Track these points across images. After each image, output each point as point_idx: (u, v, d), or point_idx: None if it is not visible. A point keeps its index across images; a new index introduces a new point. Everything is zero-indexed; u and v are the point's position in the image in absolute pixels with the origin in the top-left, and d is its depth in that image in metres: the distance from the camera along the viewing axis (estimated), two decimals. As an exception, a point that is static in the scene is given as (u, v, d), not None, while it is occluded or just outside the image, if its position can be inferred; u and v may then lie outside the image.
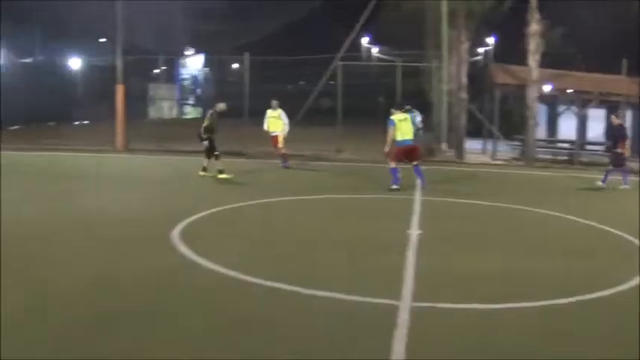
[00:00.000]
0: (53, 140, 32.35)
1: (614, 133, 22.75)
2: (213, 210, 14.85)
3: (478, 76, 37.21)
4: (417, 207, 16.27)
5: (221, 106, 21.47)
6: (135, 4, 33.25)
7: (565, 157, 31.49)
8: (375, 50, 64.82)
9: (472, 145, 33.10)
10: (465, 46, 32.22)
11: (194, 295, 8.52)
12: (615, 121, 22.66)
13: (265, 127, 24.99)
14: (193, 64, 77.36)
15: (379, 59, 61.61)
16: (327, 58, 33.95)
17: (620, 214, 16.08)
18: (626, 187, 21.26)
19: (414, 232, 12.83)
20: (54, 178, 20.44)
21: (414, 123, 20.61)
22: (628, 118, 29.95)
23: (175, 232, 12.06)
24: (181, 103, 75.74)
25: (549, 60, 31.75)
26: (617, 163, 21.71)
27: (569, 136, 33.04)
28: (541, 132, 33.14)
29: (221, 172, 20.67)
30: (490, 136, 33.51)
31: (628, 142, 22.18)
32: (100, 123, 40.02)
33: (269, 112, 24.96)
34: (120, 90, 30.93)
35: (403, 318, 7.66)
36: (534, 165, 29.02)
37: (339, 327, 7.41)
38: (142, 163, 26.35)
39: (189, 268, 9.80)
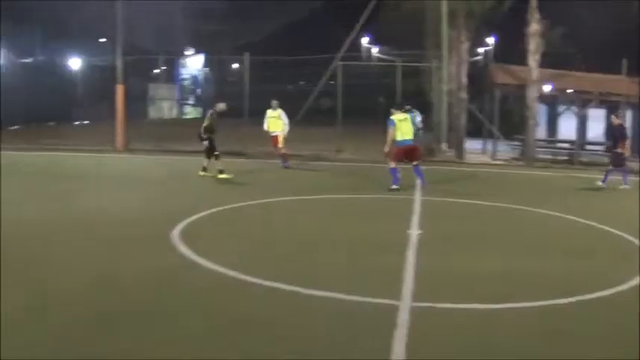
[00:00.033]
0: (53, 140, 32.36)
1: (614, 133, 22.76)
2: (213, 210, 14.85)
3: (478, 76, 37.22)
4: (417, 207, 16.27)
5: (221, 106, 21.48)
6: (135, 4, 33.28)
7: (565, 157, 31.49)
8: (375, 50, 64.84)
9: (472, 145, 33.11)
10: (465, 46, 32.23)
11: (194, 295, 8.52)
12: (615, 121, 22.67)
13: (265, 127, 24.99)
14: (193, 64, 77.39)
15: (379, 59, 61.64)
16: (327, 58, 33.96)
17: (620, 214, 16.08)
18: (626, 187, 21.26)
19: (414, 232, 12.83)
20: (54, 178, 20.44)
21: (413, 123, 20.61)
22: (628, 118, 29.95)
23: (175, 232, 12.06)
24: (181, 103, 75.78)
25: (549, 60, 31.76)
26: (617, 163, 21.72)
27: (569, 136, 33.04)
28: (541, 132, 33.15)
29: (221, 172, 20.68)
30: (490, 136, 33.52)
31: (628, 142, 22.18)
32: (100, 123, 40.03)
33: (269, 112, 24.96)
34: (120, 90, 30.93)
35: (403, 318, 7.66)
36: (534, 165, 29.03)
37: (339, 327, 7.41)
38: (142, 163, 26.36)
39: (189, 268, 9.80)
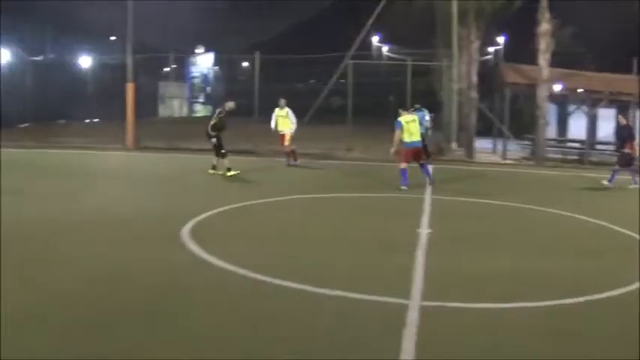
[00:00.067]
0: (63, 138, 32.46)
1: (621, 133, 22.74)
2: (223, 208, 14.86)
3: (488, 75, 37.18)
4: (426, 206, 16.25)
5: (230, 104, 21.53)
6: (146, 2, 33.28)
7: (575, 157, 31.44)
8: (385, 49, 64.85)
9: (482, 144, 33.09)
10: (476, 45, 32.20)
11: (202, 293, 8.52)
12: (622, 121, 22.65)
13: (273, 125, 24.97)
14: (203, 62, 77.57)
15: (389, 58, 61.68)
16: (338, 56, 33.99)
17: (630, 214, 15.96)
18: (636, 186, 21.19)
19: (424, 231, 12.83)
20: (63, 176, 20.47)
21: (421, 123, 20.63)
22: (638, 118, 29.88)
23: (185, 230, 12.07)
24: (191, 101, 75.96)
25: (559, 59, 31.68)
26: (624, 162, 21.68)
27: (579, 136, 32.96)
28: (551, 131, 33.07)
29: (228, 169, 20.71)
30: (500, 135, 33.46)
31: (636, 143, 22.11)
32: (110, 121, 40.06)
33: (277, 111, 24.94)
34: (130, 88, 30.99)
35: (412, 317, 7.65)
36: (544, 164, 28.97)
37: (348, 325, 7.40)
38: (152, 161, 26.40)
39: (198, 265, 9.80)
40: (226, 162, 20.84)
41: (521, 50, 37.33)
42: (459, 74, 31.75)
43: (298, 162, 24.99)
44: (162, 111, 66.55)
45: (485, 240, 12.64)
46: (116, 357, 6.41)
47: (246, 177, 20.83)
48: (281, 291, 8.64)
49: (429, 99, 34.71)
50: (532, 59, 30.39)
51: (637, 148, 22.19)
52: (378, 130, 32.25)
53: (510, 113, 32.76)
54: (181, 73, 78.19)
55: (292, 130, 24.80)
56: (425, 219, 14.35)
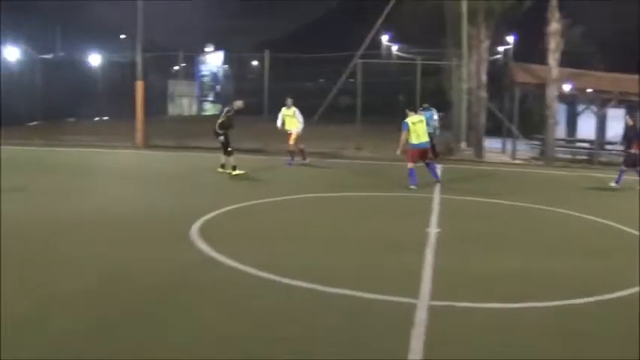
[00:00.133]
0: (73, 136, 32.51)
1: (628, 134, 22.69)
2: (232, 207, 14.88)
3: (498, 75, 37.06)
4: (435, 205, 16.25)
5: (238, 103, 21.55)
6: (156, 2, 33.33)
7: (584, 157, 31.38)
8: (394, 48, 64.84)
9: (491, 144, 33.04)
10: (485, 44, 32.13)
11: (210, 292, 8.53)
12: (629, 121, 22.60)
13: (279, 124, 24.91)
14: (213, 61, 77.59)
15: (399, 57, 61.66)
16: (347, 55, 33.99)
17: (638, 214, 15.97)
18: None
19: (433, 231, 12.83)
20: (73, 174, 20.53)
21: (429, 123, 20.62)
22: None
23: (194, 229, 12.09)
24: (201, 99, 75.95)
25: (569, 59, 31.62)
26: (631, 163, 21.62)
27: (589, 136, 32.89)
28: (560, 131, 33.00)
29: (234, 168, 20.72)
30: (509, 135, 33.38)
31: None
32: (119, 119, 40.17)
33: (283, 110, 24.87)
34: (140, 86, 31.01)
35: (421, 317, 7.65)
36: (554, 164, 28.90)
37: (356, 325, 7.41)
38: (162, 159, 26.43)
39: (207, 264, 9.82)
40: (232, 160, 20.84)
41: (531, 50, 37.29)
42: (469, 74, 31.70)
43: (307, 161, 24.98)
44: (172, 109, 66.58)
45: (494, 240, 12.63)
46: (116, 357, 6.41)
47: (255, 176, 20.86)
48: (290, 290, 8.65)
49: (438, 98, 34.71)
50: (541, 59, 30.32)
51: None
52: (387, 129, 32.18)
53: (520, 113, 32.67)
54: (191, 72, 78.21)
55: (299, 130, 24.76)
56: (434, 218, 14.35)
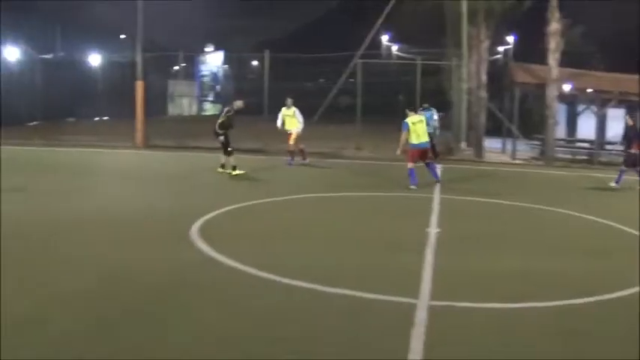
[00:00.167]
0: (73, 136, 32.51)
1: (628, 134, 22.70)
2: (232, 207, 14.88)
3: (498, 75, 37.06)
4: (435, 205, 16.24)
5: (238, 103, 21.55)
6: (155, 2, 33.32)
7: (584, 157, 31.38)
8: (394, 48, 64.85)
9: (491, 144, 33.03)
10: (485, 44, 32.13)
11: (210, 292, 8.53)
12: (629, 121, 22.60)
13: (279, 124, 24.90)
14: (213, 61, 77.61)
15: (399, 57, 61.66)
16: (347, 55, 33.99)
17: (638, 214, 15.97)
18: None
19: (433, 231, 12.83)
20: (73, 174, 20.53)
21: (429, 123, 20.62)
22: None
23: (194, 229, 12.09)
24: (201, 99, 75.95)
25: (569, 59, 31.61)
26: (631, 163, 21.62)
27: (589, 136, 32.88)
28: (560, 131, 32.99)
29: (234, 168, 20.73)
30: (509, 135, 33.37)
31: None
32: (119, 119, 40.17)
33: (283, 110, 24.85)
34: (140, 86, 31.00)
35: (421, 317, 7.65)
36: (554, 164, 28.90)
37: (356, 325, 7.41)
38: (162, 159, 26.42)
39: (207, 264, 9.82)
40: (232, 160, 20.84)
41: (531, 50, 37.29)
42: (469, 74, 31.69)
43: (307, 161, 24.97)
44: (172, 109, 66.57)
45: (494, 240, 12.63)
46: (116, 357, 6.40)
47: (255, 176, 20.86)
48: (290, 290, 8.64)
49: (438, 98, 34.72)
50: (541, 59, 30.31)
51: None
52: (387, 129, 32.18)
53: (520, 113, 32.66)
54: (191, 72, 78.21)
55: (299, 130, 24.74)
56: (434, 218, 14.35)
